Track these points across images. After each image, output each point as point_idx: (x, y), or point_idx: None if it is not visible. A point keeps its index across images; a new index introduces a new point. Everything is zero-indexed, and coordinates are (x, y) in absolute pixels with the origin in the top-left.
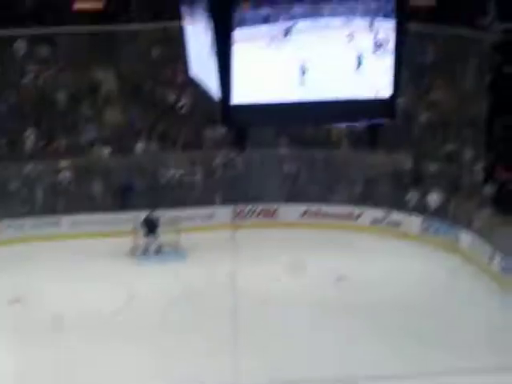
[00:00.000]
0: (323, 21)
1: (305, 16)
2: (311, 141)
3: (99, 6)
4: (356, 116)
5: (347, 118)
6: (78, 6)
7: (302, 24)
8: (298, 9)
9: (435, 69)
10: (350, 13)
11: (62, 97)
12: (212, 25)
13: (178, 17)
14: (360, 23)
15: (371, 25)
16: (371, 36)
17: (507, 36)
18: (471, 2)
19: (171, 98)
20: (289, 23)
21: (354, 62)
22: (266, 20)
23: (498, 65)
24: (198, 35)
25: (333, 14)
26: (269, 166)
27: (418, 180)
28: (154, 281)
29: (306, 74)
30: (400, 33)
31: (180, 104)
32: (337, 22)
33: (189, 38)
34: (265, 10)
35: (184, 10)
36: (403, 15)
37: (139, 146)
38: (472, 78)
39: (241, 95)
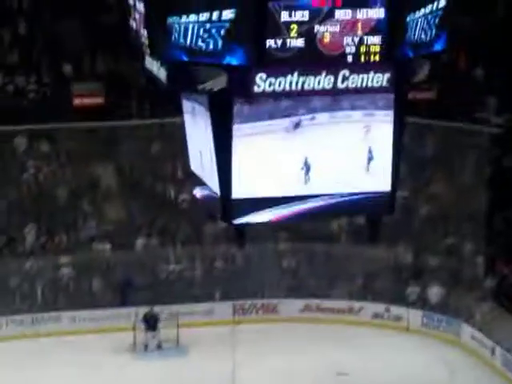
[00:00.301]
0: (341, 114)
1: (323, 109)
2: (311, 235)
3: (100, 101)
4: (357, 209)
5: (348, 211)
6: (78, 101)
7: (320, 116)
8: (316, 102)
9: (435, 162)
10: (370, 105)
11: (62, 193)
12: (213, 120)
13: (177, 112)
14: (378, 117)
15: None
16: (389, 129)
17: (506, 129)
18: (470, 95)
19: (171, 193)
20: (300, 116)
21: (365, 157)
22: (274, 114)
23: (497, 158)
24: (197, 130)
25: (351, 107)
26: (268, 261)
27: (419, 274)
28: (155, 376)
29: (310, 172)
30: (398, 126)
31: (180, 199)
32: (355, 114)
33: (188, 133)
34: (282, 103)
35: (184, 105)
36: (401, 109)
37: (139, 242)
38: (472, 171)
39: (244, 189)
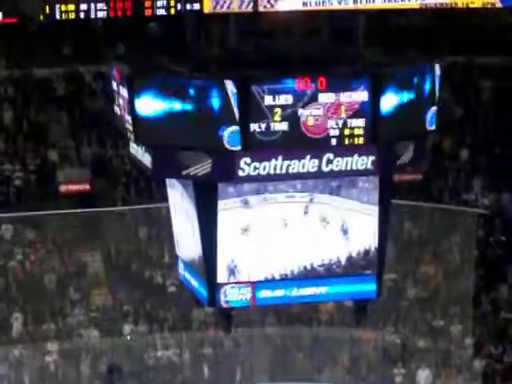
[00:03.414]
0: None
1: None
2: (298, 318)
3: (86, 187)
4: (343, 294)
5: (335, 296)
6: (64, 188)
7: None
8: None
9: (422, 244)
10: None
11: (49, 280)
12: (197, 203)
13: (163, 198)
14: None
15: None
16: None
17: (492, 210)
18: (456, 176)
19: (158, 278)
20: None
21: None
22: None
23: (484, 239)
24: (183, 215)
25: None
26: (256, 345)
27: (407, 356)
28: None
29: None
30: (384, 208)
31: (167, 283)
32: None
33: (174, 217)
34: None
35: (169, 190)
36: (387, 191)
37: (127, 328)
38: (459, 252)
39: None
